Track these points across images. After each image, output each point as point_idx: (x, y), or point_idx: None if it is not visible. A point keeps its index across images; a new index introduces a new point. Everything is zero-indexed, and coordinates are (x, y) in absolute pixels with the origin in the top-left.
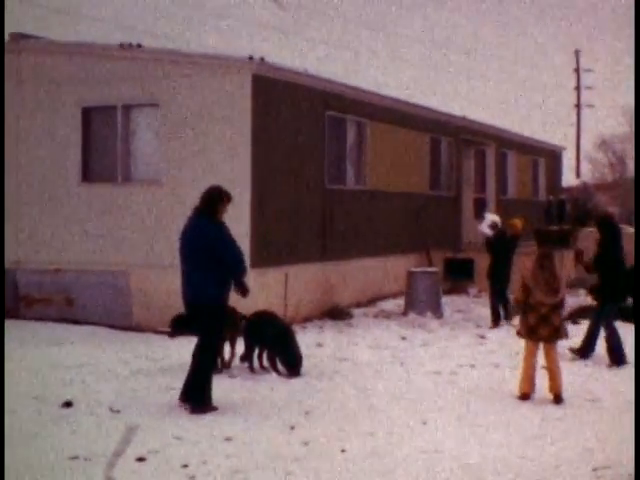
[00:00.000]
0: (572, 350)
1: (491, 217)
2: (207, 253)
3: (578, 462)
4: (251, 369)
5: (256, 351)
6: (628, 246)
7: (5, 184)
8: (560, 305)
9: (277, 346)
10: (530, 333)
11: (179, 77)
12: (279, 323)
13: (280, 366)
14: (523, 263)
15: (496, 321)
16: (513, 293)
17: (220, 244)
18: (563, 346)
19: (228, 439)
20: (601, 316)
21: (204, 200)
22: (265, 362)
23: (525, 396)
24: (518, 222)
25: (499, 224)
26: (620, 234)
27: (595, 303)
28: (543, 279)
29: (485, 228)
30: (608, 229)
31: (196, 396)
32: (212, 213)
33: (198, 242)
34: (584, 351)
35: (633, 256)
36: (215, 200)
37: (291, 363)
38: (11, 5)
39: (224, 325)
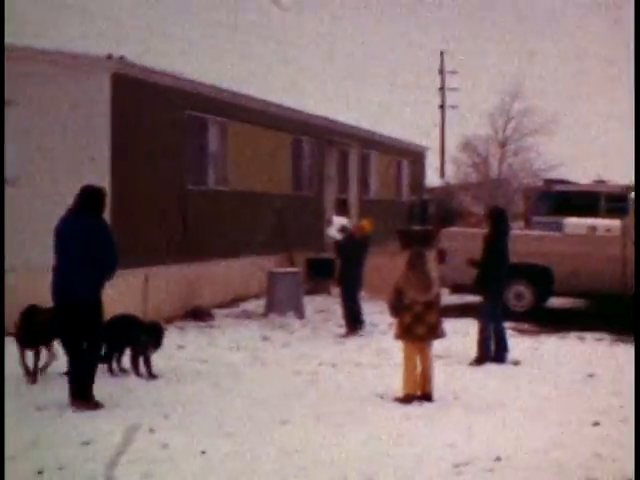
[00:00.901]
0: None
1: (339, 220)
2: (92, 252)
3: (440, 458)
4: (110, 371)
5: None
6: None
7: None
8: (434, 303)
9: (146, 347)
10: (406, 333)
11: (37, 75)
12: (146, 324)
13: (143, 368)
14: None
15: (353, 326)
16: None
17: (107, 243)
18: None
19: (85, 443)
20: (488, 312)
21: (86, 199)
22: (125, 364)
23: (410, 397)
24: (366, 224)
25: (348, 227)
26: (509, 229)
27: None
28: (415, 278)
29: (334, 232)
30: (499, 222)
31: (80, 393)
32: (97, 212)
33: (84, 240)
34: (499, 354)
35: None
36: (99, 199)
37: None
38: None
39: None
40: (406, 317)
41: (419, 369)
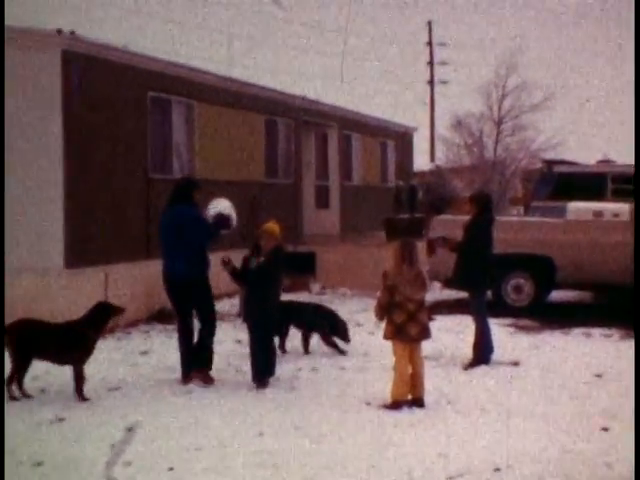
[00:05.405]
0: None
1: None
2: (185, 236)
3: (432, 469)
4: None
5: None
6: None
7: None
8: (424, 301)
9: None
10: (398, 332)
11: None
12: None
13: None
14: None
15: (262, 378)
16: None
17: (197, 225)
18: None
19: (39, 464)
20: (481, 308)
21: (176, 190)
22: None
23: (400, 403)
24: (274, 227)
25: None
26: (493, 216)
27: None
28: (408, 273)
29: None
30: (484, 208)
31: (203, 364)
32: (189, 200)
33: (176, 227)
34: (482, 354)
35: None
36: (188, 188)
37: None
38: None
39: None
40: (398, 317)
41: (409, 372)
